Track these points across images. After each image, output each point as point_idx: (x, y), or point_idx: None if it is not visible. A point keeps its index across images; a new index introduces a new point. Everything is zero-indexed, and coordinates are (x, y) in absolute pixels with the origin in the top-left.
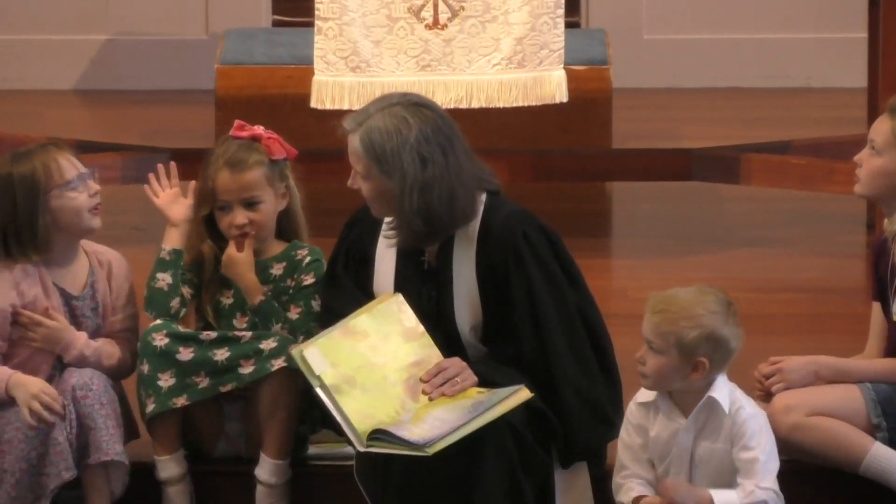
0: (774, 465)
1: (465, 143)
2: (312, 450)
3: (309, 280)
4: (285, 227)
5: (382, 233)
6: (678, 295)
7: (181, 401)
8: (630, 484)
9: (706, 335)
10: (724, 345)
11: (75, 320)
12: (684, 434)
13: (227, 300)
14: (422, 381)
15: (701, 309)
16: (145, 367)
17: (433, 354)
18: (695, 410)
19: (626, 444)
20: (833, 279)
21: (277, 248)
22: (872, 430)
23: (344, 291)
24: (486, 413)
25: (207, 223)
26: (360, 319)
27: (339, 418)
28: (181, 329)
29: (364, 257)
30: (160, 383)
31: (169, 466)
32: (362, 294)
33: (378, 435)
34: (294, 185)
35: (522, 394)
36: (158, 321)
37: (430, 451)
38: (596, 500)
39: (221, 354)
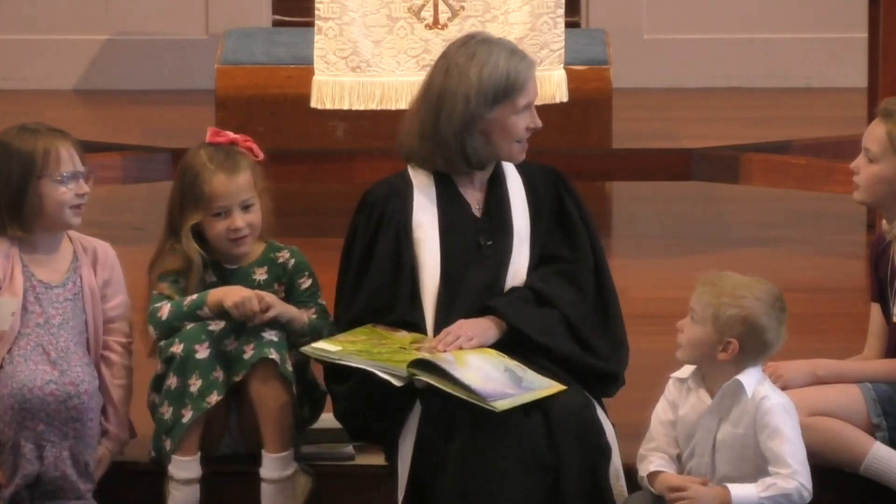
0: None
1: None
2: (312, 450)
3: (306, 282)
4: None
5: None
6: (732, 275)
7: (213, 398)
8: (651, 457)
9: (742, 317)
10: (759, 334)
11: (55, 308)
12: (708, 415)
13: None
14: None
15: (746, 292)
16: (173, 381)
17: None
18: (719, 392)
19: (659, 418)
20: (833, 279)
21: (256, 250)
22: (873, 430)
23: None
24: (533, 392)
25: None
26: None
27: (368, 367)
28: (190, 330)
29: (406, 229)
30: (191, 389)
31: (189, 467)
32: (394, 279)
33: (420, 366)
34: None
35: (555, 388)
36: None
37: (500, 408)
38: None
39: (230, 345)
